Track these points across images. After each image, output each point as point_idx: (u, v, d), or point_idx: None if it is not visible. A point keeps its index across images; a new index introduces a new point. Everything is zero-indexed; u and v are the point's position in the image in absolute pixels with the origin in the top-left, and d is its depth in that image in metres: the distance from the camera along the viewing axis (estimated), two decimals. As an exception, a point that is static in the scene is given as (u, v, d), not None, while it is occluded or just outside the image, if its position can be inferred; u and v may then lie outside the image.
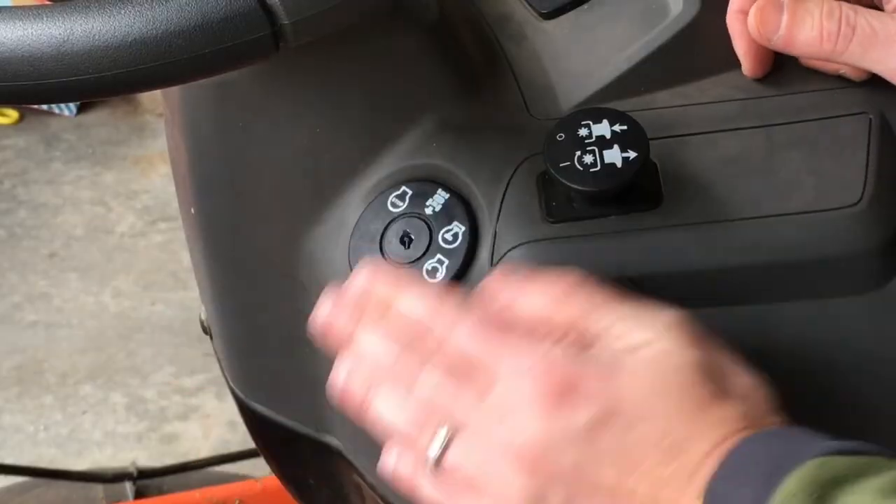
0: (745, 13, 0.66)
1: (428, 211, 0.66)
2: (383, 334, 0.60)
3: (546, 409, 0.56)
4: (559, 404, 0.56)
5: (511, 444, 0.57)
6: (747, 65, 0.67)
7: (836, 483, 0.51)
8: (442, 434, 0.58)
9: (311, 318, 0.61)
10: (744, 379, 0.58)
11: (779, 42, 0.65)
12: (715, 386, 0.57)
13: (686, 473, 0.55)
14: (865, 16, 0.63)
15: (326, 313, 0.61)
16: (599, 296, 0.59)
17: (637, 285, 0.63)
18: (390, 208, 0.66)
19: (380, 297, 0.61)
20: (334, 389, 0.61)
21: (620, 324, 0.58)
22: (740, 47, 0.67)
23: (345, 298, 0.61)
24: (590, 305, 0.58)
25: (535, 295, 0.59)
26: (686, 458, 0.55)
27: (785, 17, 0.64)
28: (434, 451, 0.58)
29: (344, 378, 0.60)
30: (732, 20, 0.67)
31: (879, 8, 0.65)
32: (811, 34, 0.64)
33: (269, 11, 0.53)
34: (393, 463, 0.60)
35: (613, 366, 0.57)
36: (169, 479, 1.43)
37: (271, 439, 0.81)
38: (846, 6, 0.64)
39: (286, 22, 0.53)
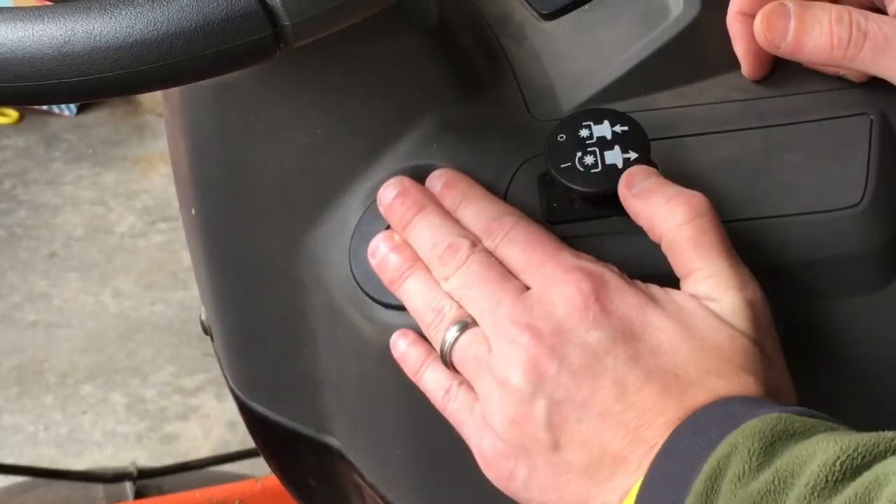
0: (746, 14, 0.66)
1: (428, 211, 0.66)
2: (438, 227, 0.62)
3: (573, 310, 0.58)
4: (585, 311, 0.58)
5: (527, 328, 0.58)
6: (747, 66, 0.67)
7: (789, 436, 0.52)
8: (462, 320, 0.61)
9: (377, 194, 0.65)
10: (780, 378, 0.59)
11: (787, 49, 0.64)
12: (746, 365, 0.57)
13: (674, 417, 0.56)
14: (876, 21, 0.62)
15: (391, 197, 0.64)
16: (710, 236, 0.60)
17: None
18: (391, 209, 0.66)
19: (447, 202, 0.64)
20: (373, 255, 0.64)
21: (702, 273, 0.59)
22: (740, 49, 0.67)
23: (412, 192, 0.64)
24: (694, 243, 0.60)
25: (654, 210, 0.61)
26: (682, 401, 0.56)
27: (793, 24, 0.63)
28: (452, 334, 0.61)
29: (390, 248, 0.63)
30: (732, 21, 0.67)
31: (882, 11, 0.65)
32: (821, 41, 0.63)
33: (270, 12, 0.53)
34: (404, 347, 0.63)
35: (659, 301, 0.59)
36: (169, 479, 1.43)
37: (271, 439, 0.81)
38: (856, 11, 0.63)
39: (287, 23, 0.53)
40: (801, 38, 0.63)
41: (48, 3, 0.56)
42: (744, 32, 0.66)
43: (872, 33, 0.62)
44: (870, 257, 0.63)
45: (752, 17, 0.65)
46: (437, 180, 0.64)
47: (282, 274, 0.70)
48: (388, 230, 0.64)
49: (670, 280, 0.63)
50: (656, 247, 0.62)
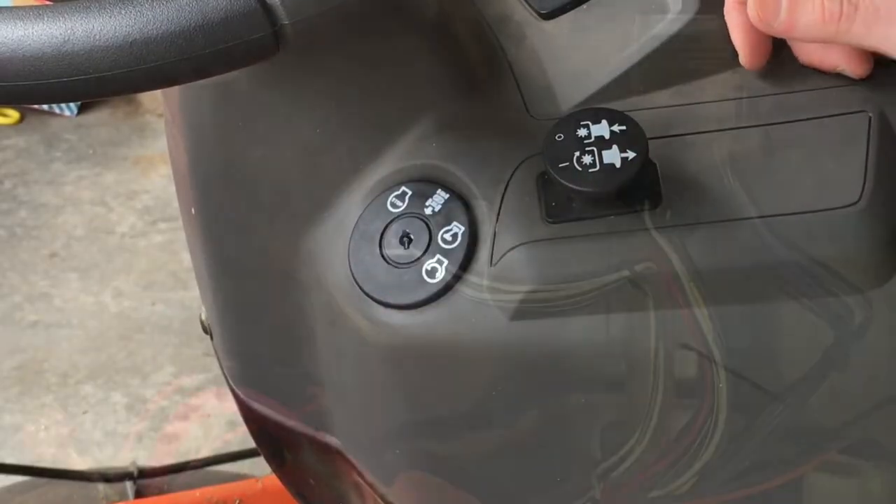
0: (743, 4, 0.66)
1: (427, 211, 0.66)
2: None
3: None
4: None
5: None
6: (744, 56, 0.67)
7: None
8: None
9: None
10: None
11: (780, 27, 0.65)
12: None
13: None
14: None
15: None
16: None
17: (636, 286, 0.63)
18: (390, 208, 0.66)
19: None
20: None
21: None
22: (737, 38, 0.67)
23: None
24: None
25: None
26: None
27: (785, 1, 0.64)
28: None
29: None
30: (729, 11, 0.67)
31: None
32: (812, 16, 0.64)
33: (269, 12, 0.53)
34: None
35: None
36: (169, 479, 1.43)
37: (271, 439, 0.81)
38: None
39: (286, 22, 0.53)
40: (793, 14, 0.64)
41: (47, 2, 0.56)
42: (740, 22, 0.66)
43: (863, 6, 0.63)
44: (868, 255, 0.64)
45: None
46: None
47: (282, 274, 0.70)
48: None
49: (671, 279, 0.63)
50: (655, 246, 0.62)
